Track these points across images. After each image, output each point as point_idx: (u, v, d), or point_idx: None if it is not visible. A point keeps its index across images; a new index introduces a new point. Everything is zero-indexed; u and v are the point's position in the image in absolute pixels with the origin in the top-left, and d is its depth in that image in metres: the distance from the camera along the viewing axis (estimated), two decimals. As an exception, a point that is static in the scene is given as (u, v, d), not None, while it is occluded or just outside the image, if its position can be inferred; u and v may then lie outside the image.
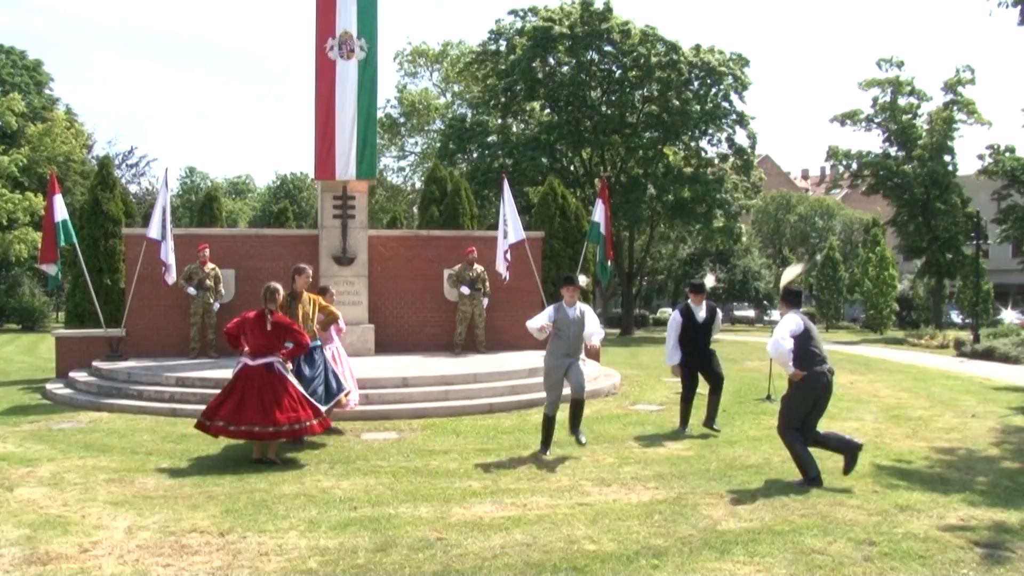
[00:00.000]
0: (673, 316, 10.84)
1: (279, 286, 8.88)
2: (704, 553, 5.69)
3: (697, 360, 10.73)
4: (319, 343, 9.77)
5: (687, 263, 54.15)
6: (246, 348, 8.62)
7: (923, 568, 5.44)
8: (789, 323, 7.85)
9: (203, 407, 11.34)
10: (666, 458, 8.84)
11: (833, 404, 12.88)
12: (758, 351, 22.75)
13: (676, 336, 10.64)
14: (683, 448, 9.40)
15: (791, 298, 8.21)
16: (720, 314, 11.24)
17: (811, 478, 7.65)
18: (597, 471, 8.20)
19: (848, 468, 7.80)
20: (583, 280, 11.10)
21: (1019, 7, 12.34)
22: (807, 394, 7.85)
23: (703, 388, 11.22)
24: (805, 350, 7.78)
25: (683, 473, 8.09)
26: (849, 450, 7.82)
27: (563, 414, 9.43)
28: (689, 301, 10.83)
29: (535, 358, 14.89)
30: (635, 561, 5.53)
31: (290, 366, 8.90)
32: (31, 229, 34.90)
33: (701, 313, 10.68)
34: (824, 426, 10.70)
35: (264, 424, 8.32)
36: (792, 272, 9.21)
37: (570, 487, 7.53)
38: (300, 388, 8.69)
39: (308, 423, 8.54)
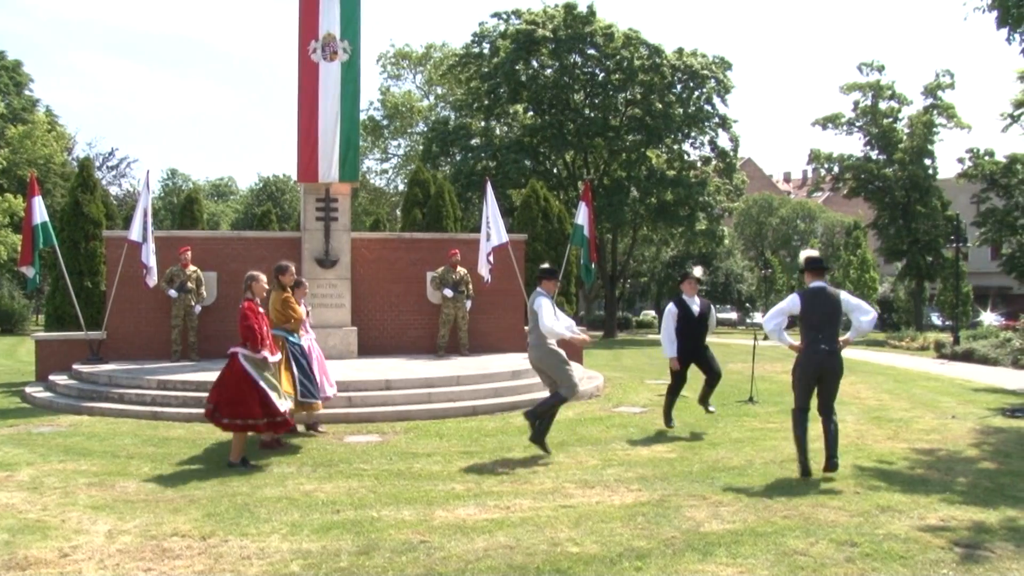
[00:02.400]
0: (668, 308, 10.75)
1: (256, 273, 8.82)
2: (687, 555, 5.70)
3: (692, 354, 10.66)
4: (297, 340, 9.77)
5: (670, 266, 54.23)
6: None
7: (904, 568, 5.47)
8: (784, 303, 8.32)
9: (184, 410, 11.39)
10: (649, 460, 8.85)
11: (815, 406, 12.99)
12: (741, 353, 22.84)
13: (672, 327, 10.57)
14: (666, 450, 9.42)
15: (811, 265, 8.37)
16: (715, 310, 11.18)
17: (802, 471, 7.99)
18: (580, 473, 8.21)
19: (827, 469, 8.02)
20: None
21: (995, 12, 12.44)
22: (803, 372, 8.12)
23: (687, 391, 11.24)
24: (803, 328, 8.13)
25: (666, 475, 8.11)
26: (828, 458, 8.03)
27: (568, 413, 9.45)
28: (683, 294, 10.78)
29: (518, 360, 14.90)
30: (618, 563, 5.54)
31: (277, 355, 8.83)
32: (11, 231, 34.62)
33: (695, 306, 10.67)
34: (810, 427, 10.78)
35: (217, 408, 8.44)
36: (808, 251, 9.12)
37: (553, 489, 7.53)
38: (261, 386, 8.48)
39: (250, 421, 8.38)
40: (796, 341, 8.29)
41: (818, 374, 8.08)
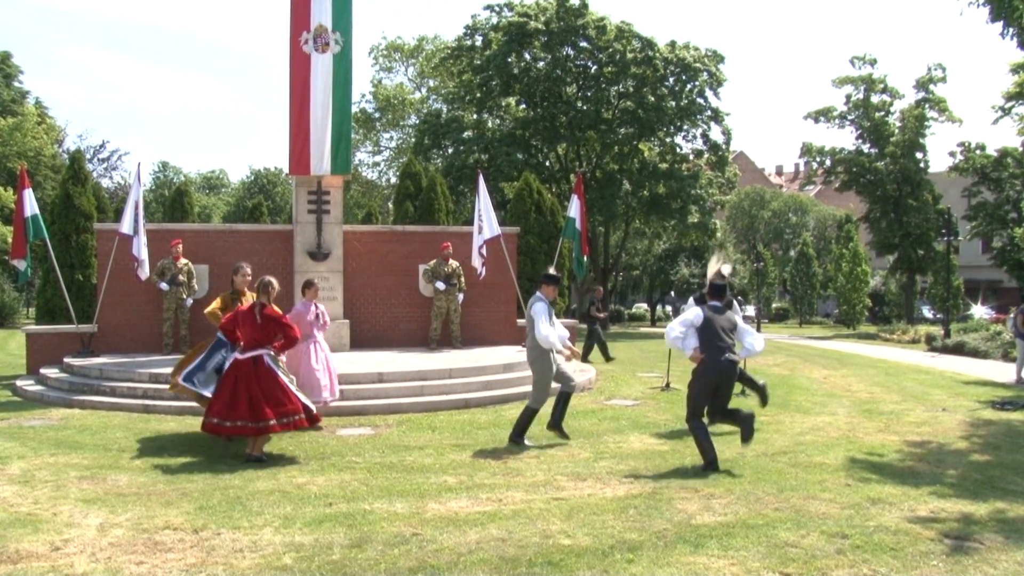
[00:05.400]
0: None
1: (273, 280, 8.80)
2: (679, 547, 5.72)
3: None
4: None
5: (662, 258, 54.31)
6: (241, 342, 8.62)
7: (894, 560, 5.50)
8: (687, 314, 8.57)
9: (176, 403, 11.36)
10: (641, 453, 8.87)
11: (806, 399, 13.08)
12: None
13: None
14: (658, 443, 9.45)
15: (715, 291, 8.58)
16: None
17: (709, 462, 8.11)
18: (572, 466, 8.22)
19: (745, 437, 8.34)
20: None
21: (989, 6, 12.42)
22: (705, 381, 8.25)
23: (679, 384, 11.21)
24: (704, 339, 8.29)
25: (657, 468, 8.13)
26: (746, 425, 8.33)
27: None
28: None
29: (510, 353, 14.93)
30: (610, 555, 5.56)
31: (283, 358, 8.84)
32: (1, 224, 34.45)
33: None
34: (798, 421, 10.83)
35: (255, 420, 8.30)
36: (713, 267, 9.28)
37: (545, 482, 7.55)
38: (287, 381, 8.57)
39: (296, 416, 8.42)
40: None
41: (718, 382, 8.28)
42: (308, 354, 10.18)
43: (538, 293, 9.40)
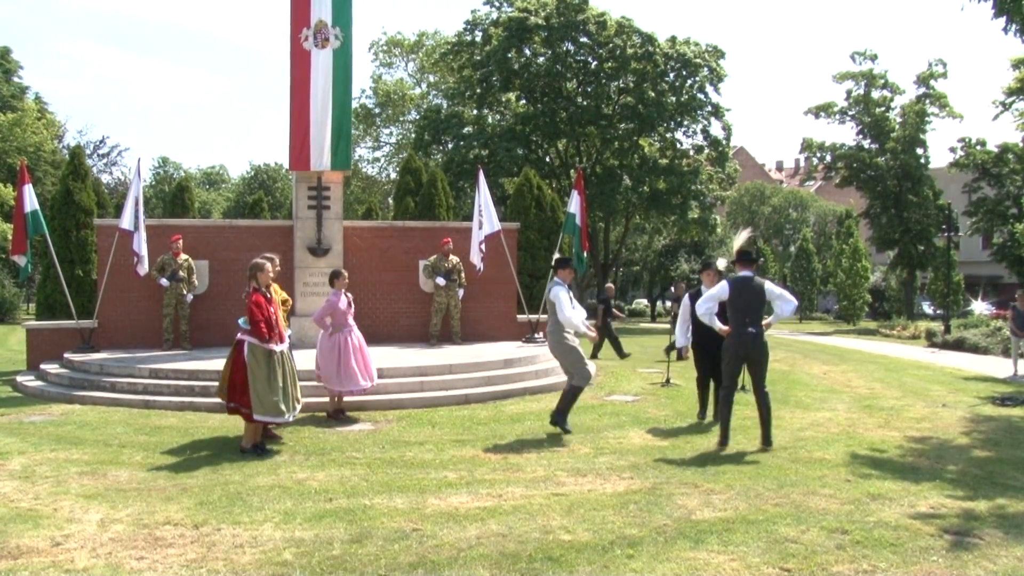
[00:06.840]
0: (684, 300, 10.74)
1: (259, 262, 8.82)
2: (679, 543, 5.72)
3: (710, 346, 10.11)
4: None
5: (662, 254, 54.31)
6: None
7: (894, 556, 5.50)
8: (714, 290, 8.99)
9: (177, 399, 11.38)
10: (641, 448, 8.87)
11: (807, 394, 13.08)
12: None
13: (685, 317, 10.61)
14: (658, 439, 9.44)
15: (741, 257, 8.99)
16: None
17: (722, 438, 8.87)
18: (572, 461, 8.22)
19: (764, 445, 8.81)
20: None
21: (991, 0, 12.38)
22: (734, 352, 8.84)
23: (679, 379, 11.19)
24: (730, 313, 8.84)
25: (658, 463, 8.13)
26: (763, 436, 8.85)
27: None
28: (702, 285, 10.65)
29: (510, 349, 14.93)
30: (610, 551, 5.56)
31: (284, 344, 8.77)
32: (1, 220, 34.47)
33: None
34: (798, 416, 10.85)
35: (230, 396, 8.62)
36: (740, 238, 9.49)
37: (545, 477, 7.54)
38: (252, 377, 8.44)
39: (230, 404, 8.61)
40: (725, 326, 8.98)
41: (746, 354, 8.81)
42: (346, 345, 10.42)
43: (555, 278, 9.69)
